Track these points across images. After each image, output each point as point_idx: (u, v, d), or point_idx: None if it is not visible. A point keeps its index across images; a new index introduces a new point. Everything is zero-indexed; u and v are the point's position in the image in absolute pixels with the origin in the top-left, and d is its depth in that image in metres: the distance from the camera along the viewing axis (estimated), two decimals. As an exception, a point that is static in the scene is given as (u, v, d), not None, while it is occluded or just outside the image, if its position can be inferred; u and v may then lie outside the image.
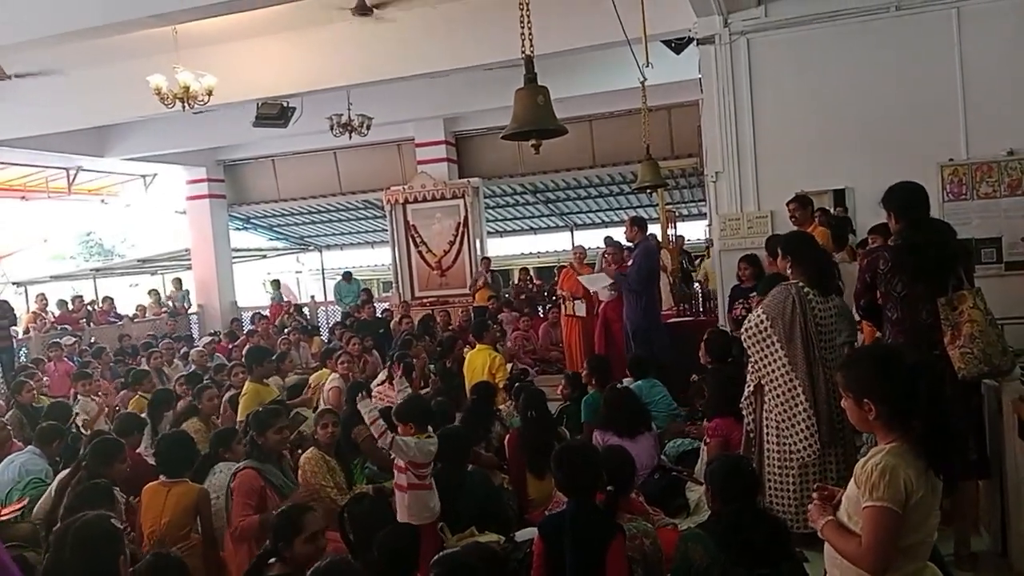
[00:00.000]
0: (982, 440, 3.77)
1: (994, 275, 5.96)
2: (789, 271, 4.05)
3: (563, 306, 9.15)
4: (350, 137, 11.43)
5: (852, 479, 2.25)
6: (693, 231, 15.77)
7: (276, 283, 15.30)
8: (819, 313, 3.95)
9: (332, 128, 11.27)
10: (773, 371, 3.97)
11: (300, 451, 5.00)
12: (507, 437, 5.21)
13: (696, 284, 9.31)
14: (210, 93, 8.55)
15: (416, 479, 3.88)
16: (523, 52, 3.63)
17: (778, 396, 3.97)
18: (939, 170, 6.42)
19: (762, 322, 3.98)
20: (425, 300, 13.38)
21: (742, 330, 4.14)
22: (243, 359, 7.53)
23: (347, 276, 14.97)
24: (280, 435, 4.35)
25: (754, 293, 5.93)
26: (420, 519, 3.84)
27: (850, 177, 6.71)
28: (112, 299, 14.98)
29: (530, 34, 3.65)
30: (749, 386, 4.11)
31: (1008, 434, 3.54)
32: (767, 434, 4.06)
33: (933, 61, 6.45)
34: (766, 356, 3.98)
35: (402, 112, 12.39)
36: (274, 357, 7.75)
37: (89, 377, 7.70)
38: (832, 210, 6.67)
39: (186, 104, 8.43)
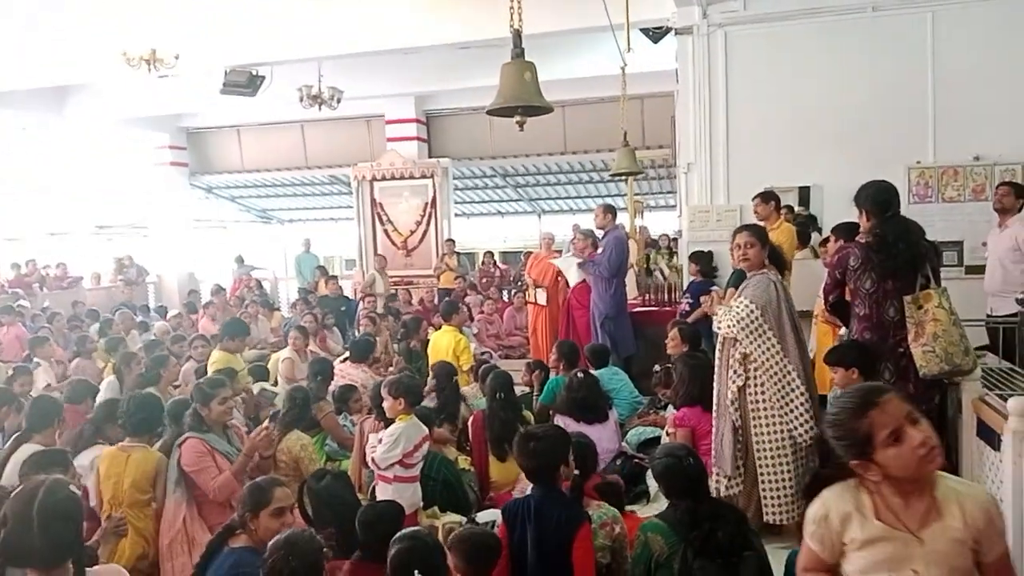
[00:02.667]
0: (943, 438, 3.82)
1: (955, 278, 6.04)
2: (767, 261, 4.09)
3: (527, 292, 9.12)
4: (320, 109, 11.23)
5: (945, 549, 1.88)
6: (659, 222, 15.82)
7: (240, 259, 14.93)
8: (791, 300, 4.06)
9: (301, 99, 11.07)
10: (768, 359, 3.98)
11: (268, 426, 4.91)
12: (471, 419, 5.19)
13: (658, 273, 9.34)
14: (177, 58, 8.32)
15: (404, 470, 3.94)
16: (511, 26, 3.53)
17: (773, 384, 3.97)
18: (906, 172, 6.51)
19: (752, 311, 3.98)
20: (389, 279, 13.24)
21: (734, 320, 4.09)
22: (202, 332, 7.35)
23: (306, 244, 14.78)
24: (224, 405, 4.21)
25: (715, 287, 5.95)
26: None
27: (819, 174, 6.78)
28: (65, 264, 14.51)
29: (519, 6, 3.55)
30: (734, 384, 4.07)
31: (967, 433, 3.60)
32: (754, 425, 4.04)
33: (906, 63, 6.52)
34: (760, 344, 3.99)
35: (373, 87, 12.21)
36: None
37: (46, 342, 7.49)
38: (795, 208, 6.73)
39: (151, 67, 8.19)
